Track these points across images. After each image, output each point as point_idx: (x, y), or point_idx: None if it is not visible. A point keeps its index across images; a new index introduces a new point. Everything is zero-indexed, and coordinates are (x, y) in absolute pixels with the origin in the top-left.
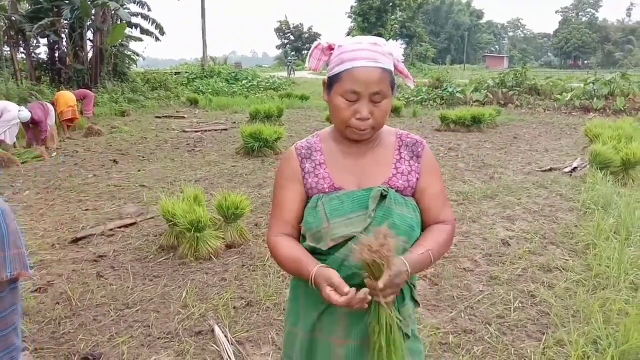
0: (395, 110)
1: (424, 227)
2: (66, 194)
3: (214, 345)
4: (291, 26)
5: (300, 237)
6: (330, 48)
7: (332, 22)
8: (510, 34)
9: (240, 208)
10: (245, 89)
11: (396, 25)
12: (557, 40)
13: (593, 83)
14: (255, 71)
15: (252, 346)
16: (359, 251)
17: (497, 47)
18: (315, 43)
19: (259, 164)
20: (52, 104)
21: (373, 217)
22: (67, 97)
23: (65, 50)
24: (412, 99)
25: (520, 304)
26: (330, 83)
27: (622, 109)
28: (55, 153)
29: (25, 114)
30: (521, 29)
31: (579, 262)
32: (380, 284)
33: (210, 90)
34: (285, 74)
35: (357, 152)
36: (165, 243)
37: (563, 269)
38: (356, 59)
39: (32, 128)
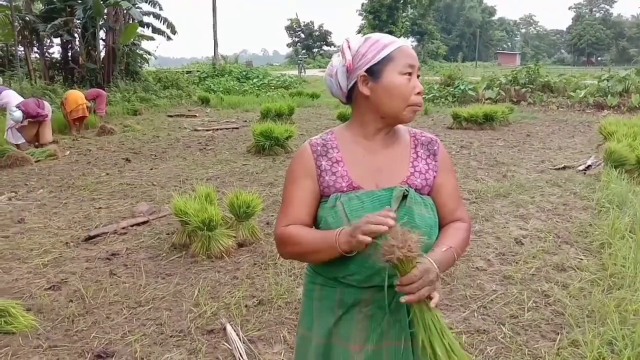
0: None
1: (440, 223)
2: (79, 192)
3: (226, 344)
4: (302, 24)
5: None
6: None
7: (343, 20)
8: (523, 30)
9: (251, 207)
10: (257, 88)
11: (407, 23)
12: (570, 36)
13: (607, 80)
14: (266, 69)
15: (264, 345)
16: (386, 252)
17: (509, 44)
18: (344, 40)
19: (270, 163)
20: (62, 103)
21: (395, 217)
22: (77, 95)
23: (78, 49)
24: (424, 96)
25: (534, 304)
26: (375, 71)
27: (638, 106)
28: (68, 152)
29: (17, 115)
30: (534, 25)
31: (593, 261)
32: (416, 272)
33: (221, 89)
34: (296, 72)
35: (374, 150)
36: (178, 241)
37: (577, 269)
38: (396, 41)
39: (31, 124)
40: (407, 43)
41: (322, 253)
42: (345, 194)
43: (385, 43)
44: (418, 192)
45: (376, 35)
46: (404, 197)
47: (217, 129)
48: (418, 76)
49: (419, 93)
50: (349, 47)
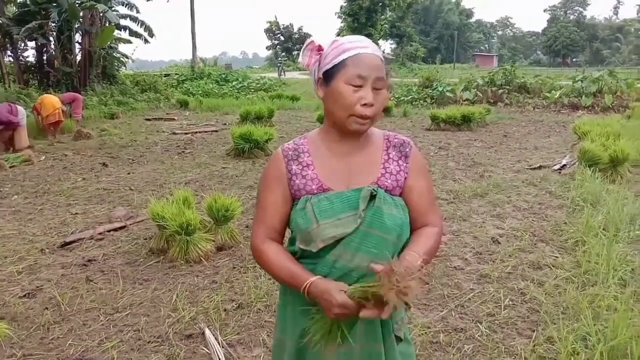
0: (386, 110)
1: (412, 226)
2: (55, 198)
3: (205, 349)
4: (281, 27)
5: (282, 241)
6: (320, 49)
7: (322, 23)
8: (500, 32)
9: (230, 210)
10: (236, 90)
11: (386, 25)
12: (546, 38)
13: (581, 81)
14: (245, 72)
15: (244, 348)
16: (383, 284)
17: (486, 46)
18: (308, 40)
19: (250, 165)
20: (35, 109)
21: (363, 217)
22: (53, 100)
23: (54, 53)
24: (402, 98)
25: (510, 302)
26: (329, 75)
27: (611, 106)
28: (44, 157)
29: None
30: (510, 27)
31: (568, 259)
32: (384, 315)
33: (200, 92)
34: (275, 74)
35: (346, 153)
36: (155, 246)
37: (553, 266)
38: (358, 47)
39: (4, 130)
40: (372, 50)
41: (289, 286)
42: (316, 196)
43: (345, 48)
44: (389, 193)
45: (344, 39)
46: (373, 197)
47: (196, 132)
48: (378, 90)
49: (365, 104)
50: (307, 48)
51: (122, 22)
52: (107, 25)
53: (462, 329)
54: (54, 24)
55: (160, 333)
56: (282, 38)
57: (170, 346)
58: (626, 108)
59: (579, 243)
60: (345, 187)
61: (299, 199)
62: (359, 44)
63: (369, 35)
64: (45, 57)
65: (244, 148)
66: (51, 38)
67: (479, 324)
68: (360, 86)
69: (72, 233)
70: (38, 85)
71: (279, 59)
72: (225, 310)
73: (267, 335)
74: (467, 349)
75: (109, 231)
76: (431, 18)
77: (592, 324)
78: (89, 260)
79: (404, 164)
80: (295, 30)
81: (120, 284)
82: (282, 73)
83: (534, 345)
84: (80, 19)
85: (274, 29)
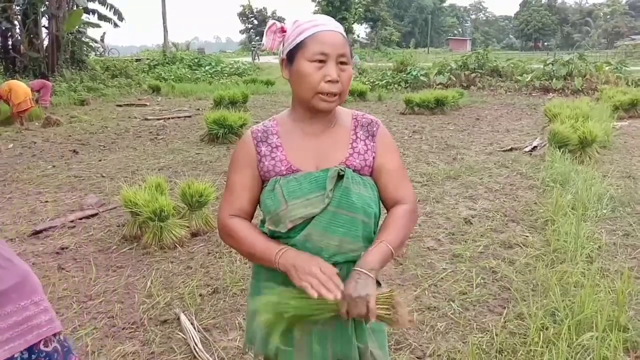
0: (361, 95)
1: (385, 205)
2: (24, 186)
3: (180, 334)
4: (255, 11)
5: (251, 221)
6: (283, 30)
7: (296, 6)
8: (473, 17)
9: (204, 195)
10: (209, 75)
11: (360, 9)
12: (518, 22)
13: (552, 64)
14: (219, 57)
15: (219, 332)
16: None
17: (460, 30)
18: (269, 23)
19: (224, 151)
20: (0, 95)
21: (331, 197)
22: (24, 87)
23: (19, 38)
24: (377, 83)
25: (482, 281)
26: (291, 56)
27: (580, 89)
28: (12, 145)
29: None
30: (483, 11)
31: (538, 237)
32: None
33: (172, 77)
34: (249, 59)
35: (314, 133)
36: (128, 233)
37: (523, 245)
38: (318, 26)
39: None
40: (333, 27)
41: (259, 262)
42: (284, 177)
43: (304, 28)
44: (357, 172)
45: (303, 19)
46: (341, 177)
47: (169, 118)
48: (343, 63)
49: (330, 81)
50: (269, 30)
51: (91, 5)
52: (74, 8)
53: (435, 307)
54: (18, 7)
55: (134, 319)
56: (255, 22)
57: (145, 332)
58: (595, 90)
59: (548, 222)
60: (314, 168)
61: (268, 181)
62: (318, 22)
63: (343, 19)
64: (10, 42)
65: (218, 133)
66: (16, 22)
67: (451, 302)
68: (323, 62)
69: (42, 221)
70: (4, 71)
71: (253, 43)
72: (200, 295)
73: (243, 318)
74: (440, 327)
75: (80, 219)
76: (405, 2)
77: (560, 299)
78: (60, 249)
79: (372, 143)
80: (269, 14)
81: (93, 272)
82: (256, 57)
83: (505, 322)
84: (46, 2)
85: (247, 12)
